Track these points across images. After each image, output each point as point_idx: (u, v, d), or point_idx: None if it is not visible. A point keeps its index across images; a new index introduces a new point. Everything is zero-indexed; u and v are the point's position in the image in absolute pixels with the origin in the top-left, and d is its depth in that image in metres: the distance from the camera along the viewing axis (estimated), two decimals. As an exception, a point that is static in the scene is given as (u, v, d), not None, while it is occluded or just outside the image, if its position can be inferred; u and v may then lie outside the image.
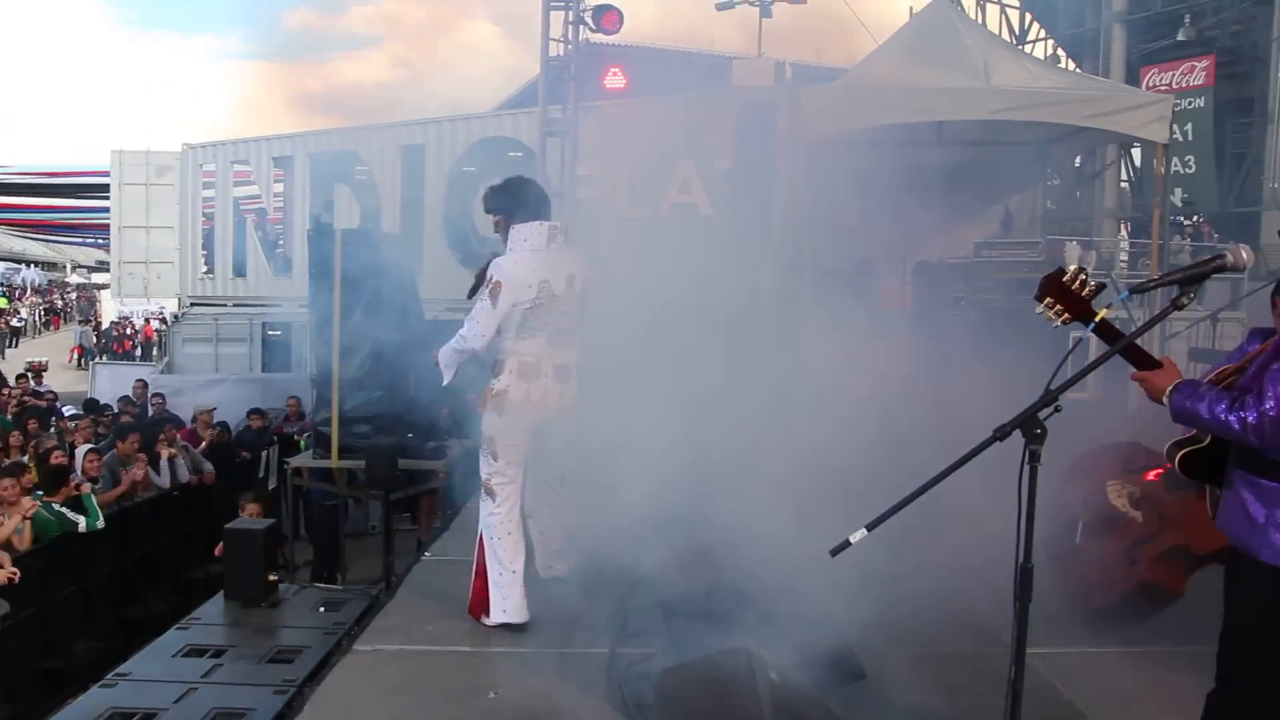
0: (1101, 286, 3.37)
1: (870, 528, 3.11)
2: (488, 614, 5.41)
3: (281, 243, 19.31)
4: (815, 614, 4.87)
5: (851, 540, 3.11)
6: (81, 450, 10.32)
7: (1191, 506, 5.15)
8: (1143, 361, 3.38)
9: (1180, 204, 21.29)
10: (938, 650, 5.19)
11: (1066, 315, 3.34)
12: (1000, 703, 4.40)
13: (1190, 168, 21.69)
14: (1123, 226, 23.78)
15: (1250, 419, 3.04)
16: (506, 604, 5.38)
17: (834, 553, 3.16)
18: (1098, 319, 3.33)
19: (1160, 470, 5.54)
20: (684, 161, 14.58)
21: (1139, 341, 3.36)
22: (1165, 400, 3.28)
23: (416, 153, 16.37)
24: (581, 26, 11.65)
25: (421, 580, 6.30)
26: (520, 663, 5.00)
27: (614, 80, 12.47)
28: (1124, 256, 20.71)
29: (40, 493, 8.91)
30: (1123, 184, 24.89)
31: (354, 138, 17.27)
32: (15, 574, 7.65)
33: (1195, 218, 20.76)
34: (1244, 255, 3.25)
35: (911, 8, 22.57)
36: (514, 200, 5.50)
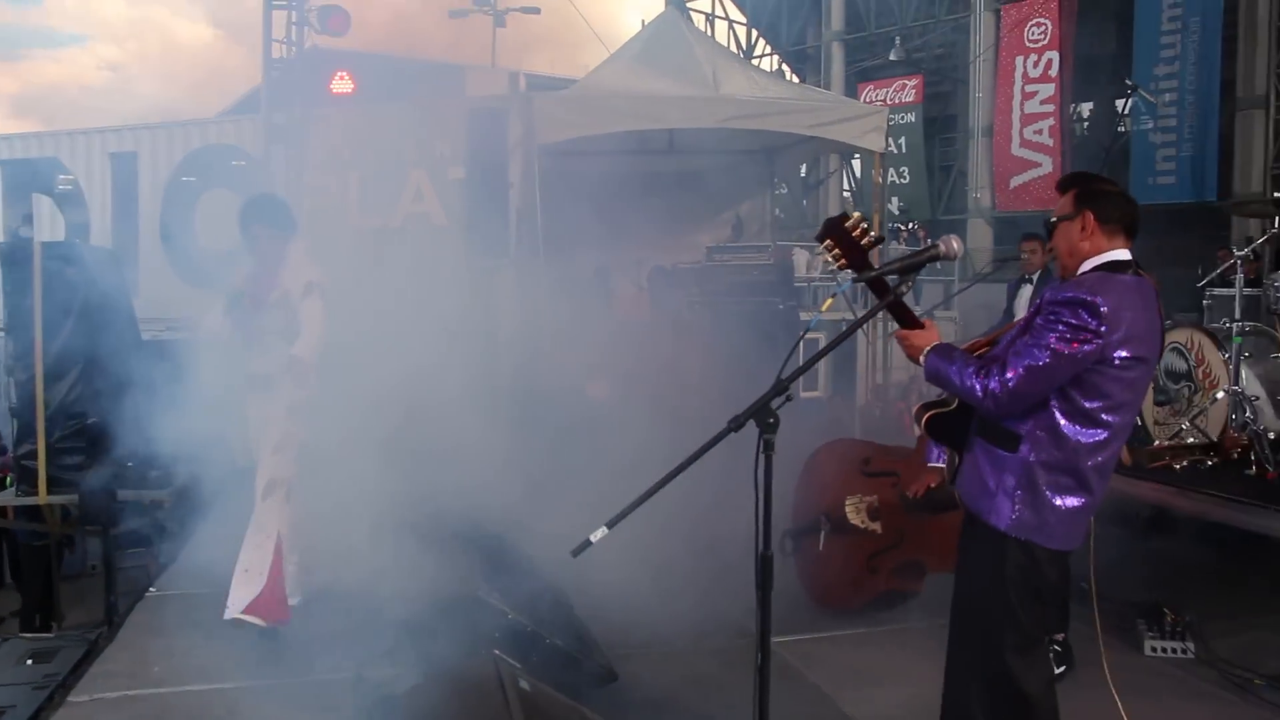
0: (880, 240, 3.50)
1: (611, 525, 3.05)
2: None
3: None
4: (563, 618, 4.82)
5: (593, 539, 3.06)
6: None
7: (927, 528, 5.36)
8: (907, 320, 3.49)
9: (897, 211, 22.55)
10: (690, 646, 5.25)
11: (844, 260, 3.40)
12: (743, 692, 4.52)
13: (905, 178, 23.03)
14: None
15: (993, 386, 3.19)
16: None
17: (575, 553, 3.12)
18: (872, 273, 3.38)
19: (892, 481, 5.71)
20: (417, 171, 14.34)
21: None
22: (921, 360, 3.41)
23: (128, 161, 15.37)
24: (306, 29, 11.17)
25: (145, 618, 5.92)
26: (259, 696, 4.74)
27: (341, 84, 12.02)
28: (847, 261, 21.76)
29: None
30: (845, 193, 26.18)
31: (54, 143, 16.06)
32: None
33: (910, 224, 21.98)
34: (955, 246, 3.43)
35: (643, 19, 23.08)
36: None
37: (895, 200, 22.54)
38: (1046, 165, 20.26)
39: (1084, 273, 3.34)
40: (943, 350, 3.37)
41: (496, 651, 4.04)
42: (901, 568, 5.52)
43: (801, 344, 4.83)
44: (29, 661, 5.83)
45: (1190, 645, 5.17)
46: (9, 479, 10.61)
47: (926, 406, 3.57)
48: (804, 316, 10.00)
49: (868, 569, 5.60)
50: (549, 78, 27.41)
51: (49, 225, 16.50)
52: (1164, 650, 5.02)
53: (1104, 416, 3.23)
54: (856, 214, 3.44)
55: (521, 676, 3.79)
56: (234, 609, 5.33)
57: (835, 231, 3.38)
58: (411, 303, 10.85)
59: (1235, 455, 4.52)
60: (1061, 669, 4.70)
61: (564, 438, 8.46)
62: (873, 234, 3.38)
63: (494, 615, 4.31)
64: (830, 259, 3.41)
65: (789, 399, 3.22)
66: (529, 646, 4.28)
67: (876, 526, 5.64)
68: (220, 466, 8.04)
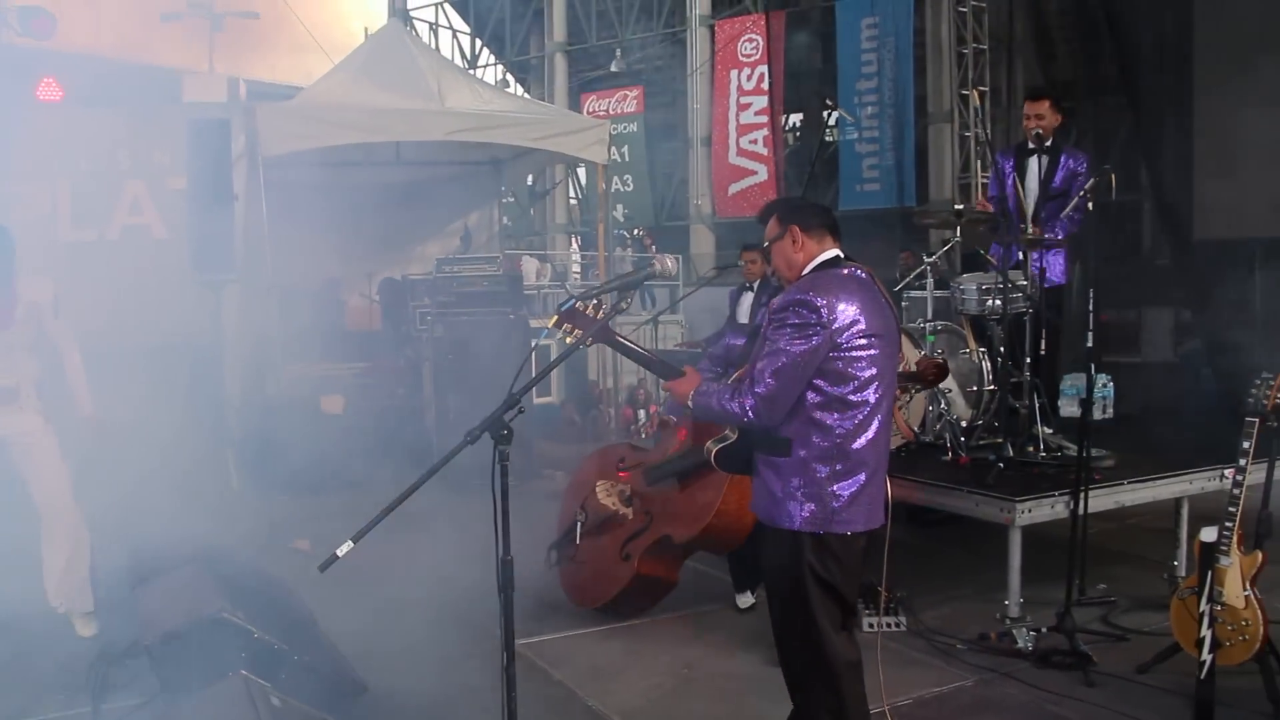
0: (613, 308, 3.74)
1: (356, 539, 3.13)
2: None
3: None
4: (309, 635, 4.86)
5: (339, 554, 3.11)
6: None
7: (671, 497, 5.69)
8: (666, 372, 3.81)
9: (622, 219, 23.16)
10: (443, 655, 5.33)
11: (578, 332, 3.71)
12: (494, 695, 4.70)
13: (629, 186, 23.67)
14: (573, 240, 25.48)
15: (748, 402, 3.45)
16: None
17: (322, 568, 3.16)
18: (596, 327, 3.71)
19: (636, 466, 6.03)
20: (134, 181, 13.73)
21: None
22: (689, 403, 3.67)
23: None
24: (7, 30, 10.59)
25: None
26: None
27: (48, 91, 11.43)
28: (576, 267, 22.19)
29: None
30: (571, 201, 26.65)
31: None
32: None
33: (635, 230, 22.62)
34: (669, 264, 3.77)
35: (366, 29, 22.78)
36: None
37: (620, 207, 23.13)
38: (762, 173, 21.29)
39: (801, 277, 3.67)
40: (702, 389, 3.65)
41: (244, 672, 4.07)
42: (653, 549, 5.69)
43: (534, 355, 5.08)
44: None
45: (902, 619, 5.67)
46: None
47: (714, 443, 3.81)
48: (534, 324, 10.25)
49: (621, 557, 5.78)
50: (271, 84, 26.62)
51: None
52: (880, 626, 5.47)
53: (856, 397, 3.48)
54: (584, 299, 3.75)
55: (272, 694, 3.83)
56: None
57: (570, 317, 3.70)
58: (134, 317, 10.51)
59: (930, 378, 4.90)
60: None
61: (301, 451, 8.44)
62: (605, 306, 3.69)
63: (239, 635, 4.26)
64: (567, 338, 3.70)
65: (521, 411, 3.45)
66: (277, 664, 4.23)
67: (629, 511, 5.89)
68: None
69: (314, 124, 10.20)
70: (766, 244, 3.81)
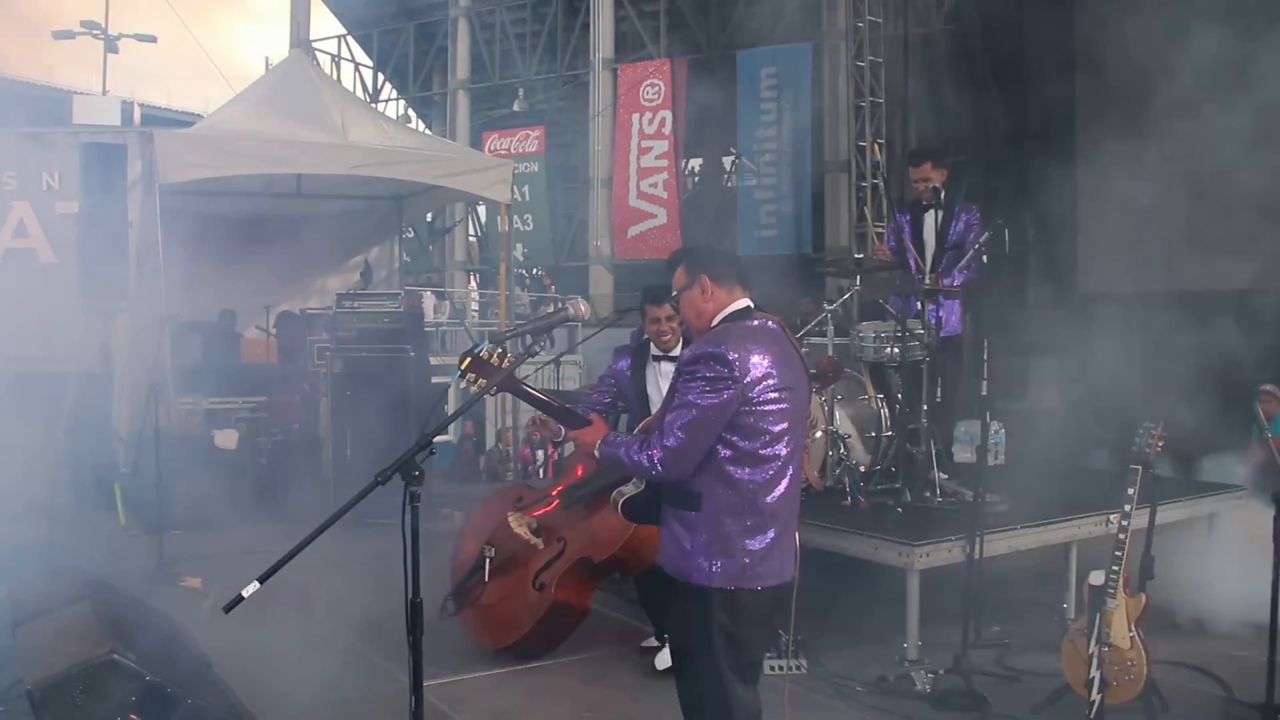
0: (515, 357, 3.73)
1: (263, 580, 3.07)
2: None
3: None
4: (203, 678, 4.74)
5: (244, 595, 3.05)
6: None
7: (582, 522, 5.68)
8: (573, 422, 3.79)
9: (521, 258, 23.15)
10: (343, 698, 5.29)
11: (483, 381, 3.66)
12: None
13: (529, 225, 23.67)
14: (472, 278, 25.40)
15: (656, 455, 3.43)
16: None
17: (228, 609, 3.08)
18: (502, 376, 3.67)
19: (535, 503, 6.01)
20: (20, 203, 13.35)
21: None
22: (596, 453, 3.66)
23: None
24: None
25: None
26: None
27: (-68, 110, 11.13)
28: (475, 305, 22.12)
29: None
30: (470, 238, 26.59)
31: None
32: None
33: (535, 270, 22.62)
34: (583, 308, 3.78)
35: (268, 58, 22.56)
36: None
37: (520, 246, 23.11)
38: (661, 216, 21.46)
39: (711, 328, 3.66)
40: (610, 439, 3.64)
41: (133, 716, 3.96)
42: (568, 576, 5.66)
43: (452, 395, 5.06)
44: None
45: (804, 662, 5.72)
46: None
47: (619, 494, 3.80)
48: (434, 362, 10.19)
49: (535, 586, 5.73)
50: (167, 110, 26.21)
51: None
52: (782, 668, 5.51)
53: (766, 451, 3.47)
54: (489, 346, 3.71)
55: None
56: None
57: (476, 366, 3.65)
58: (18, 342, 10.20)
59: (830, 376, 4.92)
60: None
61: (192, 486, 8.25)
62: (509, 356, 3.67)
63: (130, 677, 4.12)
64: (476, 388, 3.68)
65: (432, 452, 3.44)
66: (170, 708, 4.09)
67: (539, 541, 5.85)
68: None
69: (215, 153, 10.02)
70: (675, 293, 3.79)
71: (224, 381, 10.57)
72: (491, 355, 3.67)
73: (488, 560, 5.98)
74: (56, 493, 8.81)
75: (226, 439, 8.98)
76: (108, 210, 9.12)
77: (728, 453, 3.46)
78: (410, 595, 3.29)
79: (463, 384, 3.69)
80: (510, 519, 6.01)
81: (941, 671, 5.44)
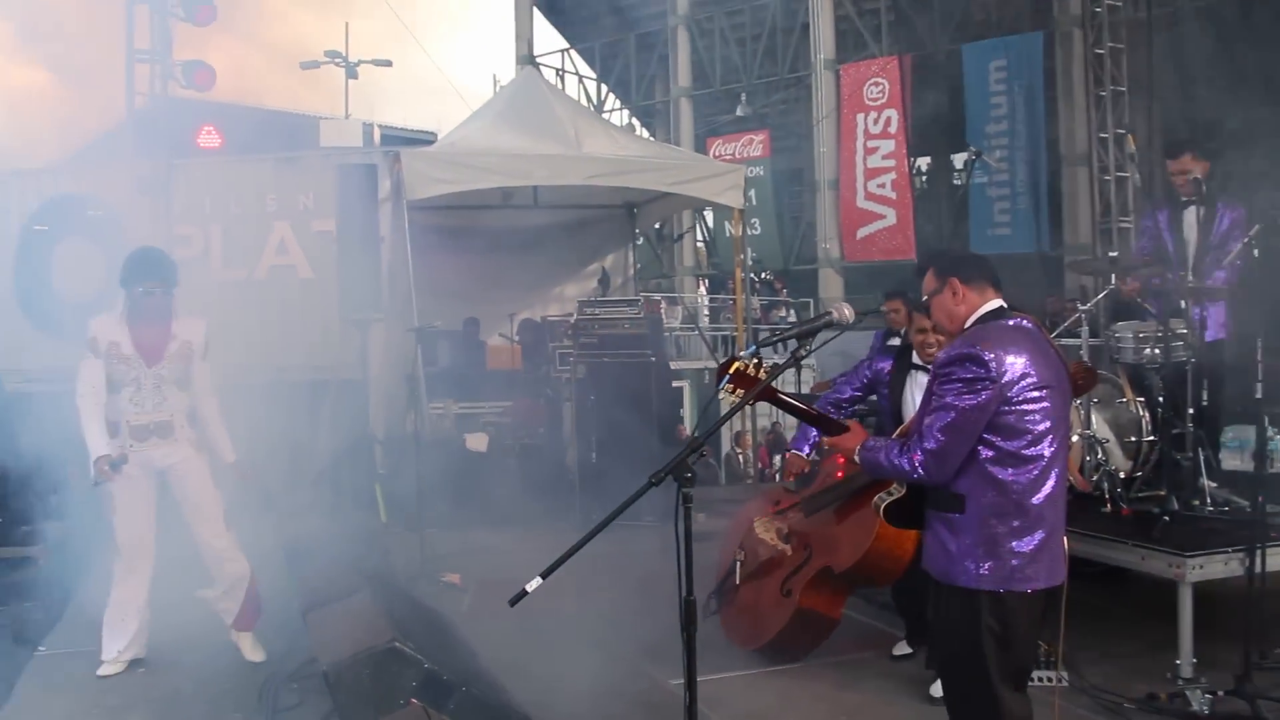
0: (774, 366, 3.77)
1: (545, 576, 3.19)
2: None
3: None
4: (474, 668, 4.94)
5: (528, 589, 3.18)
6: None
7: (829, 529, 5.63)
8: (831, 428, 3.85)
9: (750, 262, 23.17)
10: (596, 691, 5.34)
11: (741, 392, 3.74)
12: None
13: (756, 229, 23.68)
14: (701, 283, 25.60)
15: (917, 458, 3.44)
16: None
17: (512, 603, 3.21)
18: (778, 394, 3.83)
19: (791, 505, 6.00)
20: (280, 223, 14.23)
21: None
22: (856, 458, 3.69)
23: (-25, 211, 14.86)
24: (172, 82, 11.12)
25: (40, 677, 5.74)
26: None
27: (208, 139, 12.00)
28: (706, 310, 22.28)
29: None
30: (698, 244, 26.81)
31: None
32: None
33: (764, 274, 22.61)
34: (846, 312, 3.74)
35: (495, 75, 23.29)
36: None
37: (748, 251, 23.17)
38: (890, 217, 21.14)
39: (964, 330, 3.62)
40: (869, 444, 3.66)
41: (414, 700, 4.16)
42: (814, 583, 5.63)
43: (687, 398, 5.11)
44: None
45: (1065, 674, 5.50)
46: None
47: (881, 499, 3.81)
48: (674, 366, 10.30)
49: (782, 593, 5.72)
50: (402, 129, 27.40)
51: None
52: (1043, 680, 5.32)
53: (1030, 451, 3.43)
54: (746, 356, 3.79)
55: (448, 722, 3.91)
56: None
57: (737, 378, 3.74)
58: (282, 353, 10.85)
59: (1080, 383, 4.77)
60: None
61: (447, 487, 8.61)
62: (765, 365, 3.73)
63: (411, 664, 4.36)
64: (730, 397, 3.74)
65: (703, 454, 3.49)
66: (446, 694, 4.30)
67: (787, 548, 5.85)
68: (95, 521, 7.92)
69: (457, 168, 10.43)
70: (925, 298, 3.77)
71: (471, 387, 10.98)
72: (748, 366, 3.71)
73: (739, 564, 6.02)
74: (322, 493, 9.34)
75: (477, 442, 9.32)
76: (361, 227, 9.59)
77: (990, 454, 3.44)
78: (684, 593, 3.35)
79: (723, 395, 3.75)
80: (756, 525, 6.02)
81: (1221, 693, 5.14)
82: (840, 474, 5.73)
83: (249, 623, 5.89)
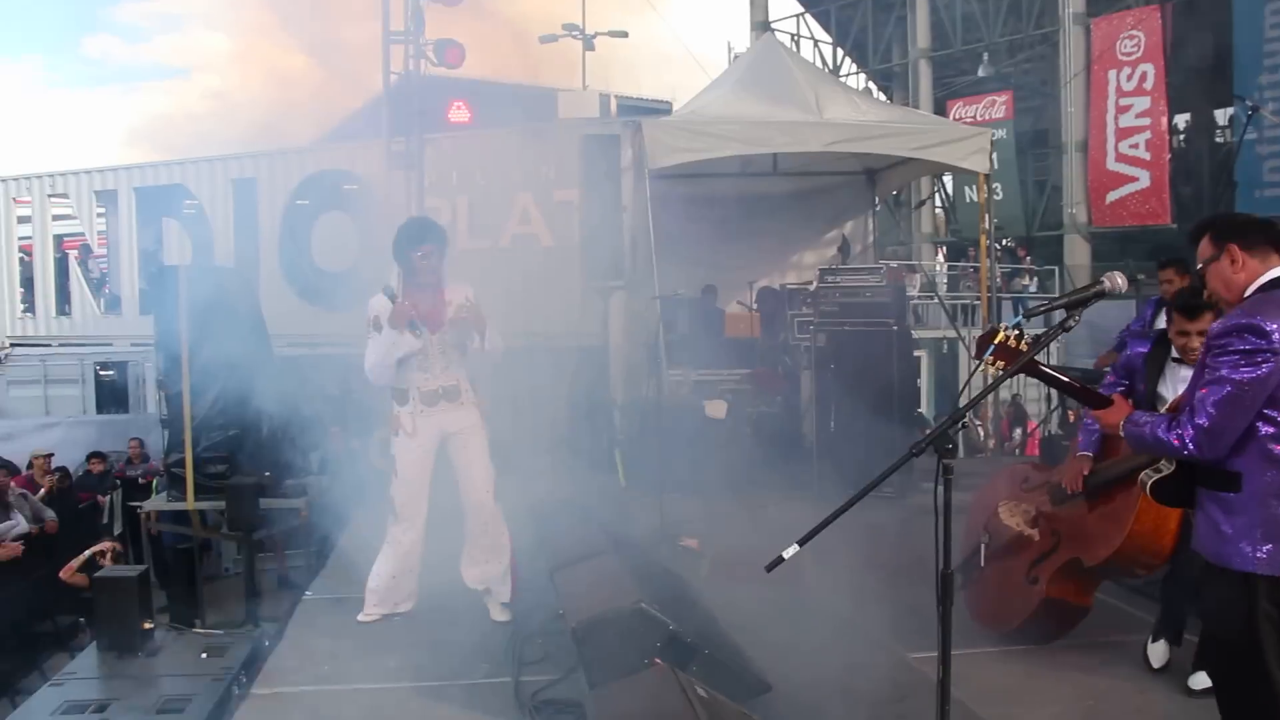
0: (1036, 338, 3.65)
1: (802, 543, 3.21)
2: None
3: (108, 279, 18.55)
4: (714, 631, 5.00)
5: (785, 556, 3.20)
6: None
7: (1080, 518, 5.39)
8: (1095, 402, 3.75)
9: (991, 229, 22.47)
10: (832, 661, 5.30)
11: (1006, 365, 3.63)
12: (893, 706, 4.72)
13: (998, 195, 22.88)
14: (939, 250, 25.00)
15: (1188, 434, 3.27)
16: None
17: (769, 568, 3.25)
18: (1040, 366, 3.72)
19: (1040, 486, 5.78)
20: (523, 194, 14.69)
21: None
22: (1121, 433, 3.56)
23: (248, 185, 15.98)
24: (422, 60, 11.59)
25: (307, 620, 6.11)
26: (427, 696, 4.96)
27: (458, 114, 12.48)
28: (944, 278, 21.77)
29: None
30: (937, 209, 26.16)
31: (180, 171, 16.76)
32: None
33: (1005, 241, 21.89)
34: (1120, 281, 3.57)
35: (729, 43, 23.27)
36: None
37: (992, 217, 22.50)
38: (1144, 179, 20.07)
39: (1243, 299, 3.42)
40: (1135, 418, 3.52)
41: (658, 660, 4.24)
42: (1061, 572, 5.42)
43: (924, 368, 5.00)
44: (203, 655, 6.20)
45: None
46: (155, 485, 11.11)
47: (1147, 476, 3.66)
48: (916, 335, 10.10)
49: (1028, 580, 5.53)
50: (638, 100, 27.77)
51: (177, 246, 17.25)
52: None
53: None
54: (1004, 327, 3.65)
55: (696, 684, 3.97)
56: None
57: (1000, 351, 3.62)
58: (527, 320, 11.21)
59: None
60: None
61: (686, 453, 8.73)
62: (1026, 337, 3.61)
63: (657, 626, 4.44)
64: (992, 369, 3.64)
65: (965, 426, 3.41)
66: (688, 657, 4.37)
67: (1034, 533, 5.65)
68: (355, 477, 8.42)
69: (697, 137, 10.50)
70: (1200, 265, 3.56)
71: (710, 354, 11.05)
72: (1010, 338, 3.61)
73: (983, 545, 5.84)
74: (563, 456, 9.62)
75: (716, 409, 9.37)
76: (604, 196, 9.78)
77: (1270, 430, 3.24)
78: (941, 566, 3.29)
79: (987, 368, 3.66)
80: (1001, 509, 5.79)
81: None
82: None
83: (506, 593, 6.08)
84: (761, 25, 28.06)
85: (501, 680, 5.09)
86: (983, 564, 5.82)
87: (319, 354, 14.67)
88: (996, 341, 3.65)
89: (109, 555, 9.09)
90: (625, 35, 29.44)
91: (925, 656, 5.36)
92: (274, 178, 15.78)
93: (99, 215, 17.93)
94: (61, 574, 8.93)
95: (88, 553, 9.32)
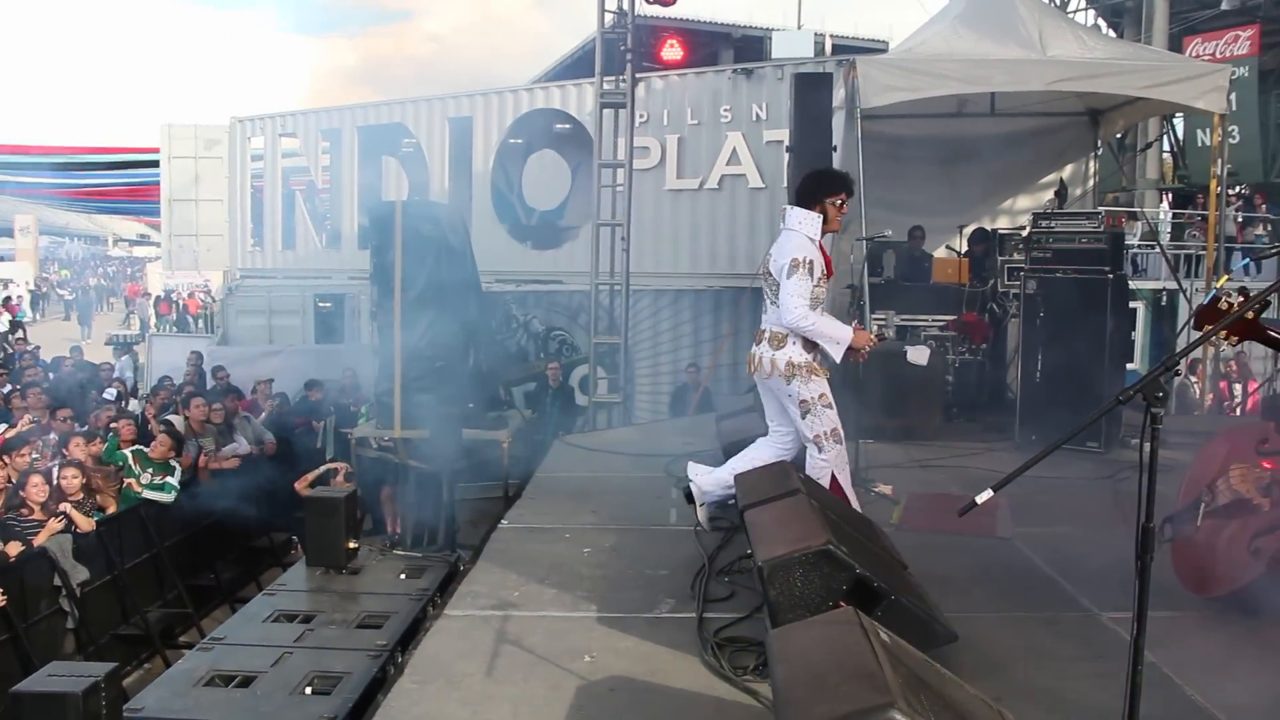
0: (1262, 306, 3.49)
1: (996, 488, 3.17)
2: None
3: (329, 215, 19.46)
4: (902, 578, 4.96)
5: (978, 501, 3.18)
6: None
7: None
8: None
9: (1224, 175, 21.13)
10: (1018, 615, 5.25)
11: (1235, 338, 3.53)
12: (1081, 665, 4.63)
13: (1235, 138, 21.46)
14: (1164, 197, 23.66)
15: None
16: None
17: (962, 513, 3.23)
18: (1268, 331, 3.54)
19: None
20: (734, 133, 14.68)
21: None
22: None
23: (463, 125, 16.45)
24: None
25: (501, 547, 6.32)
26: (611, 626, 5.10)
27: (671, 51, 12.50)
28: (1168, 228, 20.64)
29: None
30: (1164, 154, 24.73)
31: (400, 110, 17.37)
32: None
33: (1240, 187, 20.57)
34: None
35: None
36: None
37: (1224, 161, 21.15)
38: None
39: None
40: None
41: (843, 603, 4.23)
42: None
43: (1140, 321, 4.76)
44: (402, 577, 6.51)
45: None
46: (365, 411, 11.68)
47: None
48: (1133, 285, 9.66)
49: (1249, 550, 5.19)
50: (854, 39, 27.20)
51: (395, 184, 17.98)
52: None
53: None
54: (1228, 294, 3.49)
55: (880, 629, 3.95)
56: None
57: (1227, 321, 3.43)
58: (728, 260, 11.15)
59: None
60: None
61: (886, 400, 8.63)
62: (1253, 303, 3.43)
63: (843, 567, 4.44)
64: (1228, 345, 3.45)
65: (1177, 374, 3.26)
66: (874, 600, 4.37)
67: (1265, 502, 5.36)
68: (555, 411, 8.63)
69: (913, 75, 10.21)
70: None
71: (914, 299, 10.83)
72: (1233, 307, 3.42)
73: (1203, 504, 5.55)
74: (757, 398, 9.60)
75: (919, 355, 9.16)
76: (814, 136, 9.62)
77: None
78: (1142, 519, 3.18)
79: (1221, 342, 3.48)
80: (1234, 471, 5.49)
81: None
82: None
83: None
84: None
85: (686, 615, 5.18)
86: (1199, 522, 5.54)
87: (525, 291, 15.09)
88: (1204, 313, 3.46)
89: (340, 474, 9.60)
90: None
91: (1121, 616, 5.19)
92: (489, 116, 16.19)
93: (324, 153, 18.78)
94: (296, 485, 9.49)
95: (322, 468, 9.89)
